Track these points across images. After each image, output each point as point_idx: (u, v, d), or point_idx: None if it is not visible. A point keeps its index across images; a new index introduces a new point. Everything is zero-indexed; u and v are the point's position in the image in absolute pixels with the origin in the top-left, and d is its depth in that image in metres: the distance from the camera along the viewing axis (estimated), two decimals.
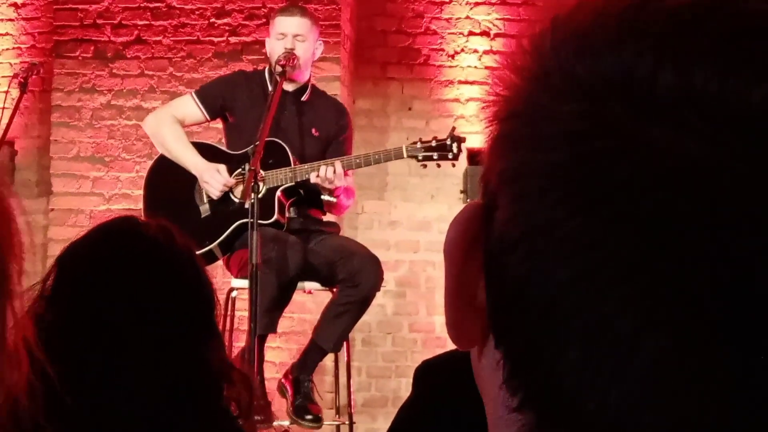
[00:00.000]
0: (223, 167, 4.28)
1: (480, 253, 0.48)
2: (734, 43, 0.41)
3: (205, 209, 4.33)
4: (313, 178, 4.12)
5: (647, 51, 0.42)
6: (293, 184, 4.21)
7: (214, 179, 4.26)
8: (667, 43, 0.42)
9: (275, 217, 4.19)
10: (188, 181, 4.34)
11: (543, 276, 0.44)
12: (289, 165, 4.21)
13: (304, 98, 4.40)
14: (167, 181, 4.42)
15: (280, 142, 4.21)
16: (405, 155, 4.21)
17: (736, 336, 0.40)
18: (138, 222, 1.59)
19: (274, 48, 4.28)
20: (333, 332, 4.26)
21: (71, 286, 1.51)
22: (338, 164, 4.11)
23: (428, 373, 1.26)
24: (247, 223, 4.00)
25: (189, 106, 4.43)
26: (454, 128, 4.35)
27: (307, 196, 4.32)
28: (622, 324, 0.41)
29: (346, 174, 4.16)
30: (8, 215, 0.72)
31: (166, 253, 1.55)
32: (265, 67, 4.50)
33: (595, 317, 0.42)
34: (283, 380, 4.36)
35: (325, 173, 4.07)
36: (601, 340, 0.42)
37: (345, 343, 4.41)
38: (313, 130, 4.38)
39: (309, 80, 4.46)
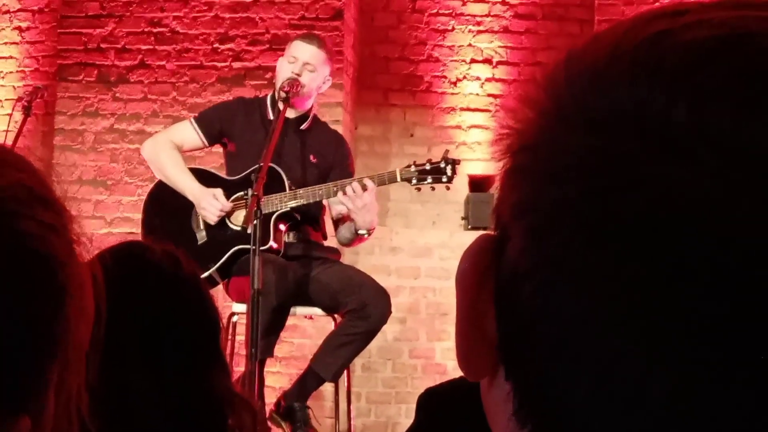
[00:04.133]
0: (219, 191, 4.26)
1: (492, 284, 0.48)
2: (748, 80, 0.41)
3: (201, 236, 4.33)
4: (339, 208, 4.14)
5: (661, 87, 0.42)
6: (288, 209, 4.20)
7: (211, 205, 4.24)
8: (681, 79, 0.42)
9: (270, 243, 4.17)
10: (185, 207, 4.33)
11: (554, 309, 0.44)
12: (284, 191, 4.20)
13: (303, 127, 4.39)
14: (165, 207, 4.41)
15: (275, 167, 4.17)
16: (399, 179, 4.20)
17: (748, 373, 0.40)
18: (144, 247, 1.59)
19: (283, 68, 4.28)
20: (334, 362, 4.22)
21: None
22: (368, 180, 4.08)
23: (431, 401, 1.26)
24: (243, 249, 3.99)
25: (187, 132, 4.43)
26: (447, 151, 4.34)
27: (303, 220, 4.31)
28: (634, 359, 0.41)
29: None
30: (81, 280, 0.66)
31: (172, 279, 1.55)
32: (266, 95, 4.50)
33: (606, 351, 0.42)
34: (274, 409, 4.31)
35: (353, 191, 4.04)
36: (612, 374, 0.42)
37: (345, 369, 4.39)
38: (312, 157, 4.37)
39: (311, 110, 4.45)
